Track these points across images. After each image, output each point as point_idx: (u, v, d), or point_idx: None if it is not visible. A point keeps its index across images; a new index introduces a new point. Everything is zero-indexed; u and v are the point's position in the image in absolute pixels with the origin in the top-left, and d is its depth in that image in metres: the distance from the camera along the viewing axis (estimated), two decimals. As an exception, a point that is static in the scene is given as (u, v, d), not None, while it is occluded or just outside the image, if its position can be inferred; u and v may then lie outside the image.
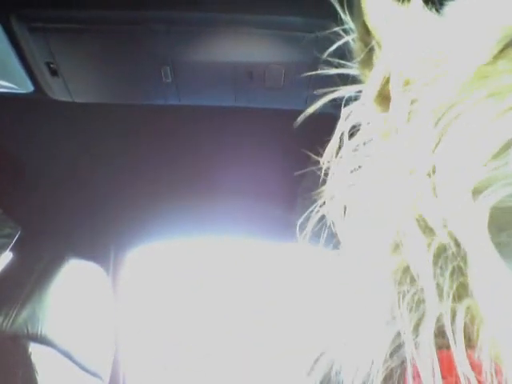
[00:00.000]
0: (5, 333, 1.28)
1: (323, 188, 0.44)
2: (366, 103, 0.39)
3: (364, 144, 0.39)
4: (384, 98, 0.38)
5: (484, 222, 0.29)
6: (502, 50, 0.33)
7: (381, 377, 0.30)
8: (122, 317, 1.68)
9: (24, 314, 1.32)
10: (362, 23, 0.39)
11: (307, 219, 0.44)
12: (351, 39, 0.41)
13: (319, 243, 0.46)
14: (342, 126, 0.41)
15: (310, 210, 0.43)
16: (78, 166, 1.51)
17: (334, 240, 0.42)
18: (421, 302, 0.31)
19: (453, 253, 0.31)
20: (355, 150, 0.40)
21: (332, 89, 0.42)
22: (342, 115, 0.41)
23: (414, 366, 0.29)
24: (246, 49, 1.04)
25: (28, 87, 1.08)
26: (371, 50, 0.39)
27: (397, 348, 0.31)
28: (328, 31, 0.43)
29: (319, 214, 0.43)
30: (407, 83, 0.36)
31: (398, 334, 0.31)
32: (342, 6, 0.42)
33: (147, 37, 1.01)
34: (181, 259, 1.85)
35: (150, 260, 1.83)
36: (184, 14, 1.00)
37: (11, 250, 1.43)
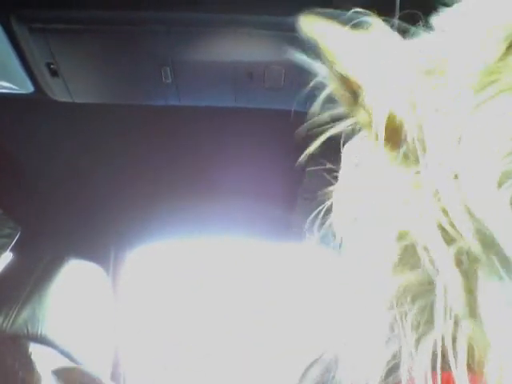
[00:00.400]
0: (5, 333, 1.28)
1: (325, 189, 0.44)
2: (370, 145, 0.37)
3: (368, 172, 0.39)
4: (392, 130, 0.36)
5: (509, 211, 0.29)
6: (509, 47, 0.32)
7: None
8: (122, 317, 1.68)
9: (24, 314, 1.32)
10: (336, 72, 0.37)
11: (307, 220, 0.44)
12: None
13: (320, 244, 0.46)
14: (346, 160, 0.40)
15: (310, 210, 0.43)
16: (78, 166, 1.51)
17: (334, 241, 0.42)
18: (420, 322, 0.31)
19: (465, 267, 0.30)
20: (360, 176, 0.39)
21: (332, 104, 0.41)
22: (344, 151, 0.40)
23: None
24: (246, 49, 1.04)
25: (28, 88, 1.08)
26: (354, 93, 0.37)
27: (393, 368, 0.31)
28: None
29: (320, 215, 0.43)
30: (413, 106, 0.35)
31: (396, 355, 0.31)
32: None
33: (147, 37, 1.01)
34: (181, 259, 1.85)
35: (150, 260, 1.83)
36: (184, 15, 1.00)
37: (11, 250, 1.43)
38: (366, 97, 0.36)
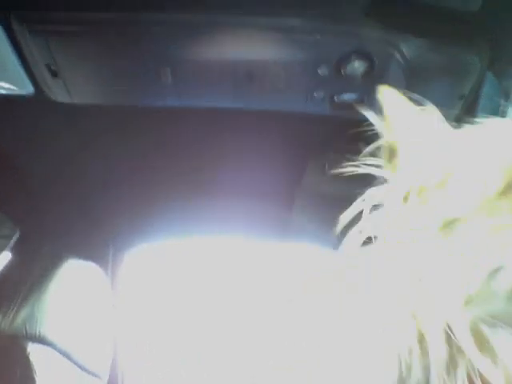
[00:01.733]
0: (3, 333, 1.28)
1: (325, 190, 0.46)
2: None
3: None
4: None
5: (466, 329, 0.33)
6: (505, 189, 0.36)
7: None
8: (120, 316, 1.69)
9: (22, 313, 1.32)
10: (389, 132, 0.43)
11: (306, 219, 0.46)
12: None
13: (319, 244, 0.47)
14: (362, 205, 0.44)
15: (309, 211, 0.45)
16: (77, 166, 1.51)
17: (334, 241, 0.43)
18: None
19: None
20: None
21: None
22: (363, 196, 0.44)
23: None
24: (246, 50, 1.04)
25: (28, 89, 1.08)
26: (394, 155, 0.43)
27: None
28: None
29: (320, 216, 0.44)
30: (422, 190, 0.40)
31: None
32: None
33: (146, 38, 1.01)
34: (179, 259, 1.85)
35: (149, 260, 1.83)
36: (183, 15, 1.00)
37: (9, 250, 1.42)
38: (399, 166, 0.42)
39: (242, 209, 1.61)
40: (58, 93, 1.10)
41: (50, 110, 1.23)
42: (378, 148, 0.45)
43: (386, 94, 0.44)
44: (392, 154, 0.43)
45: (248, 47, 1.04)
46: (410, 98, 0.45)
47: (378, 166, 0.45)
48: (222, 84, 1.10)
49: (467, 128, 0.42)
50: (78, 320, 1.47)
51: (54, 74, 1.05)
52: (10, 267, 1.40)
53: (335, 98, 1.08)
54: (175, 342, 1.77)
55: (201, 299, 1.79)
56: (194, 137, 1.43)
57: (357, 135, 0.46)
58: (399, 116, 0.43)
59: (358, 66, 1.01)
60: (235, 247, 1.78)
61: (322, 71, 1.03)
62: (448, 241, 0.36)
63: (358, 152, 0.45)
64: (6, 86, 1.05)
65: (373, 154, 0.46)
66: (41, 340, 1.33)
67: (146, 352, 1.76)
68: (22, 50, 1.00)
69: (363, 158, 0.46)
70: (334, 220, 0.44)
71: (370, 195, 0.43)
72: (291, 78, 1.07)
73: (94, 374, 1.49)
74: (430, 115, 0.43)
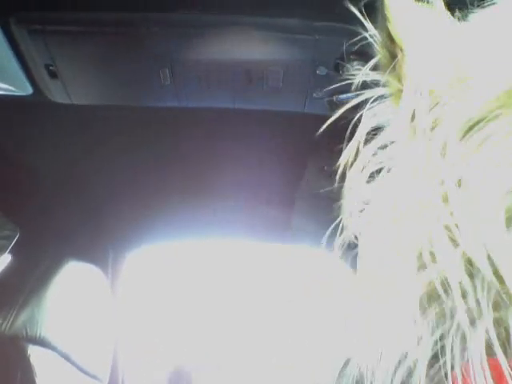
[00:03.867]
0: (4, 335, 1.28)
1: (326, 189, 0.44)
2: (395, 118, 0.39)
3: (385, 147, 0.40)
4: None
5: None
6: None
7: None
8: (120, 318, 1.68)
9: (23, 316, 1.32)
10: (387, 31, 0.39)
11: (306, 220, 0.44)
12: (376, 47, 0.41)
13: (321, 245, 0.46)
14: (365, 126, 0.40)
15: (309, 211, 0.44)
16: (77, 168, 1.51)
17: (335, 241, 0.42)
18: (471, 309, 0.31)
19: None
20: (375, 153, 0.40)
21: (356, 93, 0.42)
22: (365, 115, 0.41)
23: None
24: (245, 50, 1.04)
25: (27, 89, 1.08)
26: (395, 58, 0.39)
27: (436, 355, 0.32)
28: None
29: (320, 216, 0.43)
30: (432, 93, 0.36)
31: (440, 339, 0.32)
32: (362, 12, 0.43)
33: (146, 39, 1.01)
34: (179, 261, 1.85)
35: (149, 262, 1.83)
36: (183, 16, 1.00)
37: (10, 252, 1.42)
38: (404, 63, 0.38)
39: (241, 211, 1.61)
40: (57, 94, 1.10)
41: (50, 111, 1.23)
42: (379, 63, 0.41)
43: None
44: (394, 61, 0.39)
45: (247, 48, 1.04)
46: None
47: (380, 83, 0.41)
48: (221, 85, 1.10)
49: (475, 18, 0.38)
50: (78, 322, 1.47)
51: (53, 75, 1.05)
52: (10, 270, 1.40)
53: (334, 98, 1.08)
54: (175, 343, 1.77)
55: (201, 301, 1.79)
56: (194, 139, 1.43)
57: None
58: (403, 14, 0.38)
59: (357, 66, 1.01)
60: (235, 249, 1.78)
61: (321, 71, 1.03)
62: (474, 145, 0.32)
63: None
64: (5, 87, 1.05)
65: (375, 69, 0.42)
66: (41, 342, 1.33)
67: (147, 353, 1.76)
68: (21, 51, 1.00)
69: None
70: (333, 221, 0.42)
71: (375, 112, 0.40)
72: (290, 79, 1.07)
73: (94, 377, 1.49)
74: (436, 10, 0.39)
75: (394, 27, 0.38)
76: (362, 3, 0.43)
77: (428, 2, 0.39)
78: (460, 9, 0.40)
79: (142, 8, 0.99)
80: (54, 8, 0.96)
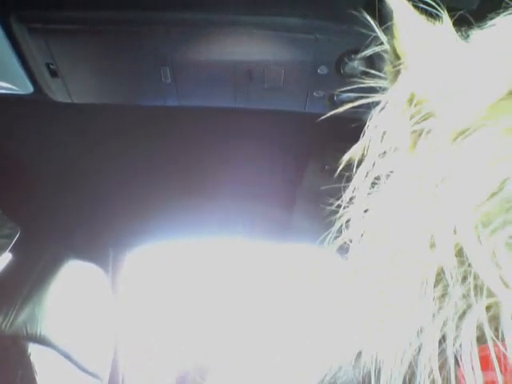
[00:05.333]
0: (4, 333, 1.28)
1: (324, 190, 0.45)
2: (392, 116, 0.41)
3: (386, 153, 0.41)
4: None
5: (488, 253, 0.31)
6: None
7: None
8: (121, 317, 1.69)
9: (23, 314, 1.32)
10: (394, 46, 0.41)
11: (306, 220, 0.45)
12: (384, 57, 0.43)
13: (321, 244, 0.46)
14: (371, 133, 0.42)
15: (310, 211, 0.44)
16: (77, 167, 1.51)
17: (336, 240, 0.42)
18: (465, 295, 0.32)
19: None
20: (378, 159, 0.41)
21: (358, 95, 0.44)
22: (370, 123, 0.42)
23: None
24: (246, 49, 1.04)
25: (28, 88, 1.08)
26: (399, 70, 0.41)
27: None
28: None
29: (320, 216, 0.43)
30: (424, 102, 0.38)
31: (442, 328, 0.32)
32: (375, 21, 0.45)
33: (146, 37, 1.01)
34: (179, 260, 1.85)
35: (149, 261, 1.83)
36: (183, 15, 1.00)
37: (10, 250, 1.43)
38: (405, 74, 0.40)
39: (242, 210, 1.61)
40: (58, 92, 1.10)
41: (50, 110, 1.23)
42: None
43: (395, 2, 0.42)
44: (396, 60, 0.41)
45: (248, 47, 1.03)
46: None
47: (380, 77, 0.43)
48: (221, 84, 1.10)
49: (477, 38, 0.40)
50: (78, 321, 1.47)
51: (54, 74, 1.05)
52: (10, 268, 1.40)
53: (335, 97, 1.08)
54: (175, 342, 1.77)
55: (201, 300, 1.79)
56: (194, 137, 1.43)
57: (356, 135, 0.46)
58: (408, 24, 0.41)
59: (357, 66, 1.01)
60: (235, 248, 1.78)
61: (322, 71, 1.03)
62: (461, 150, 0.35)
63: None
64: (6, 85, 1.05)
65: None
66: (41, 341, 1.33)
67: (147, 352, 1.76)
68: (22, 50, 1.00)
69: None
70: (334, 220, 0.43)
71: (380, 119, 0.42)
72: (291, 78, 1.06)
73: (94, 375, 1.49)
74: (440, 25, 0.41)
75: (401, 44, 0.41)
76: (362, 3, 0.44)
77: (437, 19, 0.41)
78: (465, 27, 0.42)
79: (143, 6, 0.99)
80: (54, 6, 0.96)
